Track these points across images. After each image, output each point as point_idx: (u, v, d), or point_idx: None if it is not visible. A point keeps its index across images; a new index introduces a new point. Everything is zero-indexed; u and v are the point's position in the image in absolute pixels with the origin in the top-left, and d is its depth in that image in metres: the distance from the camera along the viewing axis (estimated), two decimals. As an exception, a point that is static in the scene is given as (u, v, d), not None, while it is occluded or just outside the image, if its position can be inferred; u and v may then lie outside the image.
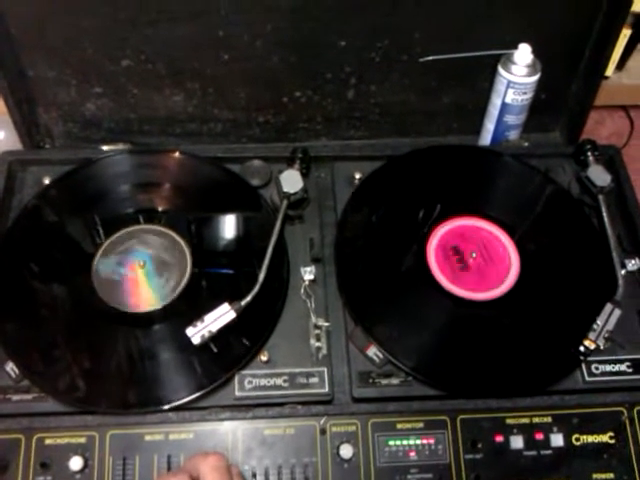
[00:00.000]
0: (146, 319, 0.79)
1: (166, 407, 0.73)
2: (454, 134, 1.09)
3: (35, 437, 0.72)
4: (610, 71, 1.08)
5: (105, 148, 0.96)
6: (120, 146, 0.97)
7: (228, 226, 0.88)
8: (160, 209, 0.88)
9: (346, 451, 0.73)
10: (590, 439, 0.76)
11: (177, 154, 0.92)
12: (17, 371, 0.74)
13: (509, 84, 0.95)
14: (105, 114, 1.00)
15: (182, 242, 0.84)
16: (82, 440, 0.72)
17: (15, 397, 0.74)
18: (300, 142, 1.05)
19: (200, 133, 1.04)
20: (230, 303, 0.76)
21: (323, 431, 0.74)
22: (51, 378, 0.74)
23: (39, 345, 0.77)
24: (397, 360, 0.77)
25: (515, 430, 0.75)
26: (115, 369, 0.75)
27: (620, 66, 1.12)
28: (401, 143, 1.03)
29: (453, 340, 0.80)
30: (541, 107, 1.05)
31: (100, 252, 0.83)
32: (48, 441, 0.72)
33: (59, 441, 0.72)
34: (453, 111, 1.06)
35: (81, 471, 0.70)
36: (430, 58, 0.97)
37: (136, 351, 0.77)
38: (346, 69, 0.98)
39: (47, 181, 0.90)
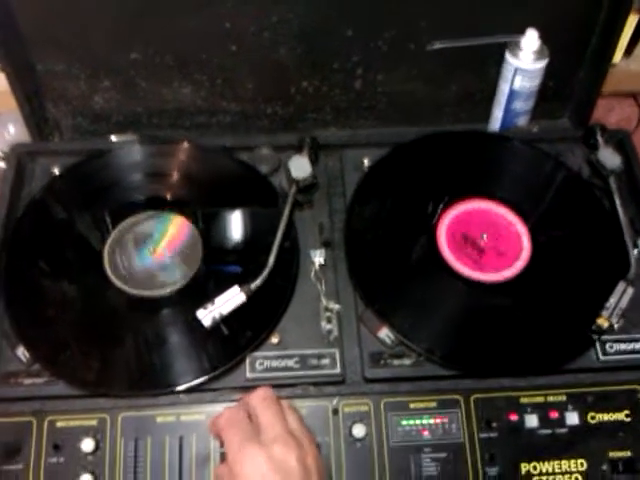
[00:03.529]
0: (157, 304, 0.79)
1: (178, 389, 0.73)
2: (462, 122, 1.08)
3: (47, 420, 0.72)
4: (618, 58, 1.07)
5: (113, 138, 0.96)
6: (129, 136, 0.98)
7: (237, 217, 0.87)
8: (169, 199, 0.88)
9: (359, 430, 0.72)
10: (605, 417, 0.75)
11: (185, 143, 0.92)
12: (28, 355, 0.74)
13: (517, 70, 0.95)
14: (114, 107, 1.01)
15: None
16: (93, 422, 0.72)
17: (27, 381, 0.74)
18: (309, 132, 1.04)
19: (209, 125, 1.04)
20: (240, 285, 0.76)
21: (335, 411, 0.74)
22: (62, 362, 0.74)
23: (50, 329, 0.77)
24: (409, 341, 0.76)
25: (529, 409, 0.75)
26: (126, 353, 0.75)
27: (628, 53, 1.11)
28: (409, 132, 1.03)
29: (465, 320, 0.80)
30: (549, 94, 1.04)
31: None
32: (60, 424, 0.72)
33: (71, 424, 0.72)
34: (461, 99, 1.06)
35: (93, 453, 0.70)
36: (437, 46, 0.97)
37: (147, 335, 0.77)
38: (353, 59, 0.98)
39: (56, 172, 0.90)
